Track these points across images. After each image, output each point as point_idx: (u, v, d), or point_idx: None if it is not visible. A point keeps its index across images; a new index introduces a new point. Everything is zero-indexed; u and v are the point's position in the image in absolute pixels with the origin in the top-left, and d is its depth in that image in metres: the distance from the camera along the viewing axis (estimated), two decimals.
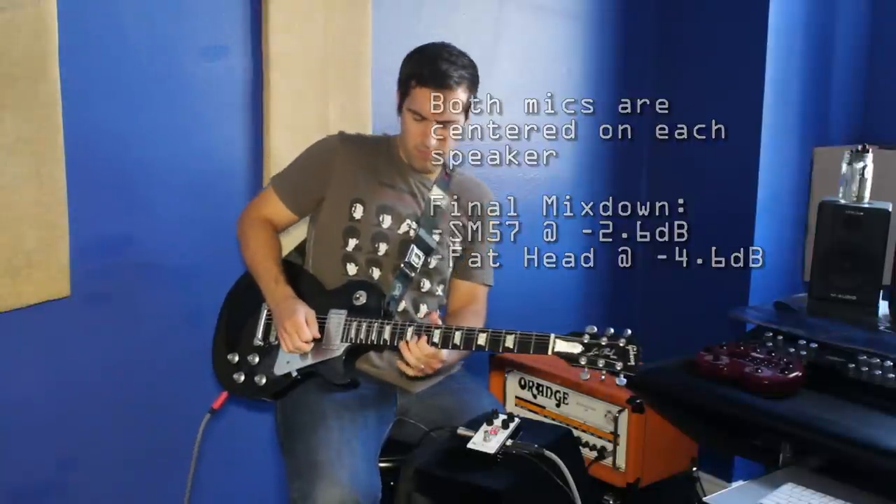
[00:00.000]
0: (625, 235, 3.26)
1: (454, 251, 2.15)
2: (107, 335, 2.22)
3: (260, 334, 2.04)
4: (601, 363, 1.77)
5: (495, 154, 2.89)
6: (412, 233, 2.08)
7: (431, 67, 1.97)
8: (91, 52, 2.09)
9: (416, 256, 2.06)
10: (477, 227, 2.18)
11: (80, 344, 2.18)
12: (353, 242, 2.06)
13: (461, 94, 2.00)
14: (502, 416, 1.84)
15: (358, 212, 2.06)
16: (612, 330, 1.80)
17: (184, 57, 2.23)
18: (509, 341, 1.82)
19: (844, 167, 2.34)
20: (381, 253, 2.06)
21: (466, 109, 2.04)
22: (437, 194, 2.13)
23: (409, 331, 1.89)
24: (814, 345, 2.12)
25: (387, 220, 2.07)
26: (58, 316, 2.12)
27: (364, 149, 2.12)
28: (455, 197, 2.16)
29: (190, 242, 2.31)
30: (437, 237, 2.11)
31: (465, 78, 2.00)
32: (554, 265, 3.12)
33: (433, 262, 2.11)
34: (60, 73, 1.99)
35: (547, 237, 3.07)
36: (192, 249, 2.32)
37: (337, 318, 1.97)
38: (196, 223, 2.31)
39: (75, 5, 2.03)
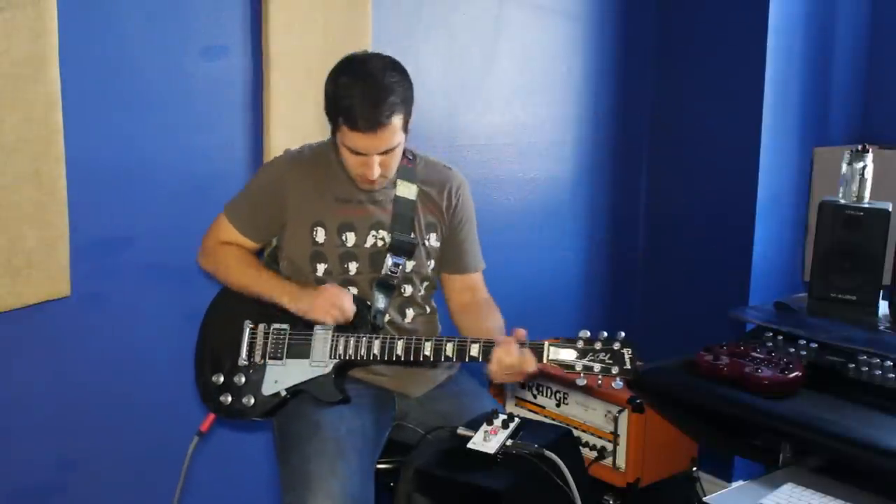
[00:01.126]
0: (624, 236, 3.27)
1: (431, 247, 2.07)
2: (107, 335, 2.22)
3: (244, 354, 1.98)
4: (597, 368, 1.76)
5: (495, 154, 2.90)
6: (380, 243, 2.00)
7: (360, 106, 1.79)
8: (91, 52, 2.09)
9: (393, 266, 1.99)
10: (454, 217, 2.10)
11: (80, 344, 2.18)
12: (321, 267, 1.99)
13: (396, 122, 1.83)
14: (502, 416, 1.84)
15: (320, 235, 1.98)
16: (605, 333, 1.78)
17: (184, 57, 2.23)
18: None
19: (844, 167, 2.34)
20: (352, 272, 2.00)
21: (405, 126, 1.89)
22: (404, 189, 2.03)
23: (399, 344, 1.87)
24: (814, 345, 2.12)
25: (350, 238, 1.99)
26: (58, 316, 2.12)
27: (313, 165, 2.01)
28: (423, 189, 2.05)
29: (190, 243, 2.30)
30: (413, 235, 2.02)
31: (396, 104, 1.82)
32: (554, 265, 3.13)
33: (409, 266, 2.03)
34: (60, 74, 1.99)
35: (547, 237, 3.09)
36: (192, 250, 2.31)
37: (323, 334, 1.93)
38: (196, 223, 2.30)
39: (75, 5, 2.03)
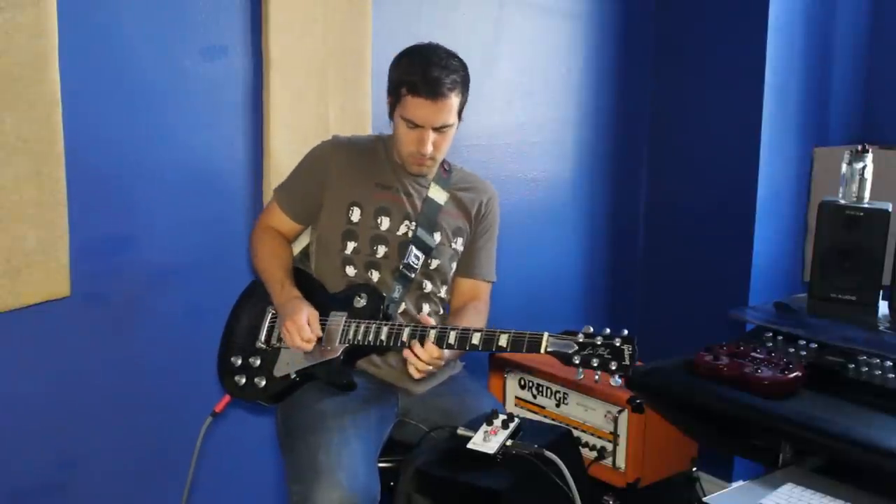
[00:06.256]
0: (624, 236, 3.27)
1: (456, 251, 2.14)
2: (107, 335, 2.22)
3: (263, 337, 2.05)
4: (595, 362, 1.74)
5: (496, 154, 2.90)
6: (410, 234, 2.07)
7: (424, 75, 1.92)
8: (91, 52, 2.09)
9: (414, 257, 2.05)
10: (480, 225, 2.17)
11: (80, 344, 2.18)
12: (351, 245, 2.06)
13: (454, 100, 1.96)
14: (502, 417, 1.84)
15: (355, 215, 2.06)
16: (608, 330, 1.77)
17: (184, 57, 2.23)
18: (503, 340, 1.81)
19: (844, 167, 2.34)
20: (379, 255, 2.06)
21: (460, 111, 2.02)
22: (435, 193, 2.12)
23: (406, 332, 1.89)
24: (814, 345, 2.12)
25: (385, 223, 2.06)
26: (58, 316, 2.12)
27: (358, 151, 2.11)
28: (455, 194, 2.15)
29: (190, 242, 2.31)
30: (437, 237, 2.09)
31: (457, 83, 1.96)
32: (554, 265, 3.13)
33: (434, 264, 2.10)
34: (60, 74, 1.99)
35: (547, 237, 3.09)
36: (192, 249, 2.32)
37: (337, 319, 1.98)
38: (196, 223, 2.31)
39: (75, 5, 2.03)
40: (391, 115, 2.04)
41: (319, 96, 2.40)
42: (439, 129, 1.97)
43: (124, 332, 2.25)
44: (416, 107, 1.94)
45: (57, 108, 1.99)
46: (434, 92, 1.92)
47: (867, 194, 2.31)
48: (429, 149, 1.98)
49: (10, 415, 2.10)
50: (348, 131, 2.25)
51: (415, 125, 1.96)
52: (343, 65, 2.41)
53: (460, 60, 2.01)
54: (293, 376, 1.98)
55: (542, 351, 1.78)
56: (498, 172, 2.90)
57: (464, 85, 1.99)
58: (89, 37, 2.08)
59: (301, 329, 1.92)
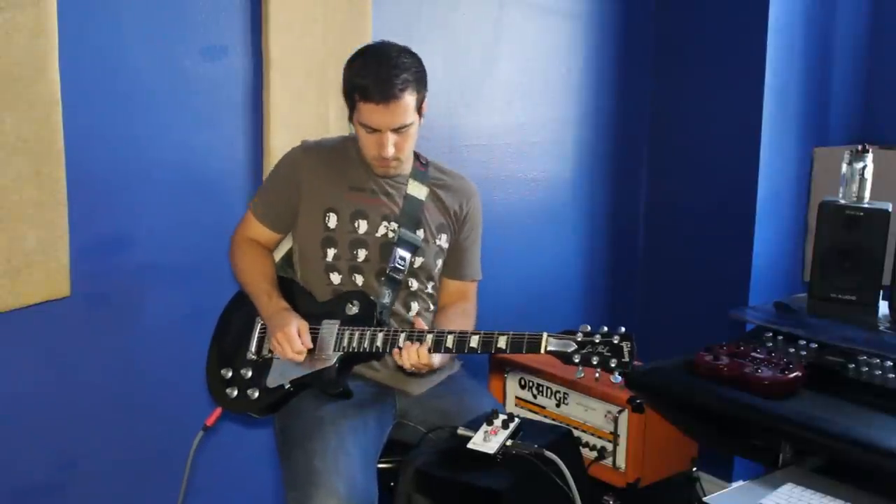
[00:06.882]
0: (624, 236, 3.27)
1: (441, 248, 2.12)
2: (107, 335, 2.22)
3: (253, 348, 2.03)
4: (595, 360, 1.75)
5: (495, 154, 2.90)
6: (391, 234, 2.04)
7: (373, 79, 1.88)
8: (91, 52, 2.09)
9: (399, 259, 2.03)
10: (463, 226, 2.15)
11: (80, 344, 2.18)
12: (331, 252, 2.04)
13: (408, 98, 1.92)
14: (502, 417, 1.84)
15: (332, 221, 2.03)
16: (605, 328, 1.78)
17: (184, 57, 2.23)
18: (502, 342, 1.81)
19: (844, 167, 2.34)
20: (360, 259, 2.04)
21: (419, 108, 1.98)
22: (414, 189, 2.08)
23: (402, 337, 1.87)
24: (814, 345, 2.12)
25: (362, 226, 2.04)
26: (58, 316, 2.12)
27: (328, 155, 2.08)
28: (435, 191, 2.11)
29: (190, 242, 2.31)
30: (420, 233, 2.07)
31: (409, 81, 1.91)
32: (554, 265, 3.13)
33: (418, 262, 2.07)
34: (60, 74, 1.99)
35: (547, 237, 3.09)
36: (192, 249, 2.32)
37: (329, 327, 1.96)
38: (196, 223, 2.31)
39: (75, 5, 2.03)
40: (350, 119, 2.01)
41: (319, 96, 2.40)
42: (398, 130, 1.95)
43: (124, 332, 2.25)
44: (370, 112, 1.91)
45: (57, 108, 1.99)
46: (385, 95, 1.88)
47: (867, 194, 2.31)
48: (390, 151, 1.95)
49: (10, 415, 2.10)
50: (348, 132, 2.25)
51: (372, 129, 1.94)
52: (343, 65, 2.41)
53: (413, 56, 1.96)
54: (287, 386, 1.96)
55: (542, 351, 1.78)
56: (498, 172, 2.90)
57: (417, 82, 1.94)
58: (89, 37, 2.08)
59: (291, 340, 1.91)
